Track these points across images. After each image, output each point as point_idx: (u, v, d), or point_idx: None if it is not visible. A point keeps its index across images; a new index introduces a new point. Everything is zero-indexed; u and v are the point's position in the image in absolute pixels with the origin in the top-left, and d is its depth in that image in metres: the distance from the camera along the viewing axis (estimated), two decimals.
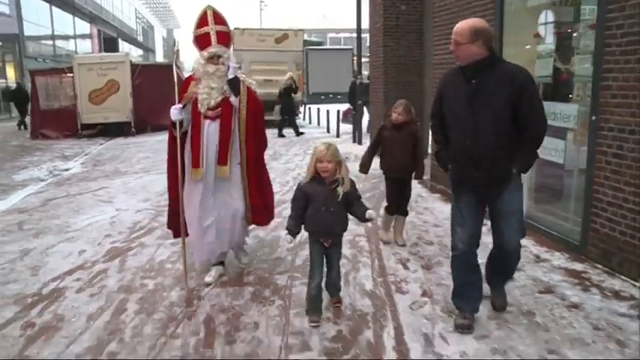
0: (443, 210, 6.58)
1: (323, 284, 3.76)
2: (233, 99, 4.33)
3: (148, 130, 16.49)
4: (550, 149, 5.14)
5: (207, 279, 4.43)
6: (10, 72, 25.09)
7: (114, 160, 11.75)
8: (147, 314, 3.86)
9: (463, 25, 3.34)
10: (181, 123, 4.28)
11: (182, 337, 3.50)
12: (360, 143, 12.77)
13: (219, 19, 4.32)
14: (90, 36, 41.43)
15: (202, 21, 4.31)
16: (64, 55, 33.17)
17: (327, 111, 16.84)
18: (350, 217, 3.73)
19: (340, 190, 3.58)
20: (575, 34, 5.26)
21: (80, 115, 16.20)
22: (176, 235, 4.64)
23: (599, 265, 4.55)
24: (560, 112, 5.07)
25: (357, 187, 3.78)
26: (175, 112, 4.19)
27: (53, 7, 31.96)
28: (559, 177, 5.57)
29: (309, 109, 21.06)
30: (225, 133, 4.32)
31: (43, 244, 5.61)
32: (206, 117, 4.31)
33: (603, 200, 4.50)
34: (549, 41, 5.77)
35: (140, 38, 63.71)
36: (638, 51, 4.06)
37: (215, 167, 4.34)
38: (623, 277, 4.29)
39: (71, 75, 16.50)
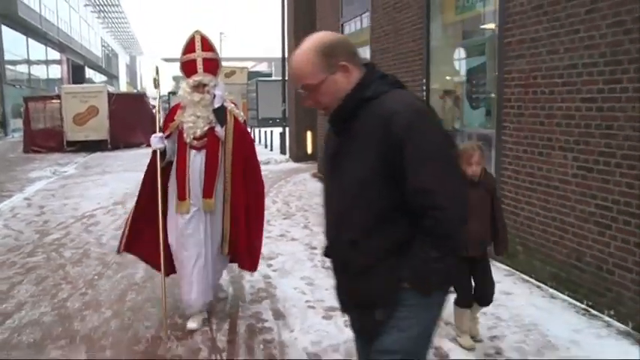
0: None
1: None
2: (218, 129, 4.15)
3: (121, 147, 20.44)
4: None
5: (191, 325, 4.16)
6: None
7: (99, 166, 15.80)
8: None
9: None
10: (164, 152, 4.16)
11: None
12: (284, 154, 17.28)
13: (207, 46, 4.17)
14: (60, 63, 45.11)
15: (189, 47, 4.15)
16: (34, 81, 37.08)
17: (266, 132, 21.26)
18: None
19: None
20: None
21: (66, 133, 20.13)
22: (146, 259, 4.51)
23: None
24: None
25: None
26: (156, 140, 4.07)
27: (29, 39, 35.77)
28: None
29: (254, 130, 25.38)
30: (211, 165, 4.14)
31: (72, 202, 9.75)
32: (192, 147, 4.14)
33: None
34: None
35: (104, 65, 67.31)
36: None
37: (201, 200, 4.15)
38: None
39: (55, 101, 20.57)
